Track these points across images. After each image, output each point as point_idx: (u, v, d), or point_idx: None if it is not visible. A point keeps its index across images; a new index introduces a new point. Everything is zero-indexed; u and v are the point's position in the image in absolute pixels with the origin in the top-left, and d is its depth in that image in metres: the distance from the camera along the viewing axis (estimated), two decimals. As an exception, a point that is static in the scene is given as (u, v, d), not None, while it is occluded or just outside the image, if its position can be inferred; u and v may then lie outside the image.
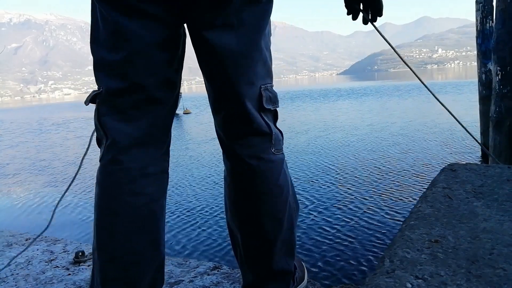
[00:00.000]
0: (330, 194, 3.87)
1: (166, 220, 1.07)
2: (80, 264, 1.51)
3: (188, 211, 3.65)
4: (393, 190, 3.85)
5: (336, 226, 3.01)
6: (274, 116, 0.93)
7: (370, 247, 2.62)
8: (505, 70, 2.74)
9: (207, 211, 3.61)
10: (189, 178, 4.98)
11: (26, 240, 1.88)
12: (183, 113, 16.93)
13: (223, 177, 1.00)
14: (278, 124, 0.94)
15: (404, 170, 4.60)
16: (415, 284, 0.58)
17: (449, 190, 0.96)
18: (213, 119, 0.93)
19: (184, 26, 0.86)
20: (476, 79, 4.67)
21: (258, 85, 0.86)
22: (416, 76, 1.21)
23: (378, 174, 4.49)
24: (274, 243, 0.92)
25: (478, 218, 0.79)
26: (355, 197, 3.70)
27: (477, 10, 4.45)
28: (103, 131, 0.82)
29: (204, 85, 0.91)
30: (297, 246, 1.06)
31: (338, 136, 7.62)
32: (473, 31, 5.15)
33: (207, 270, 1.36)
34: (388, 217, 3.13)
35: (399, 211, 3.25)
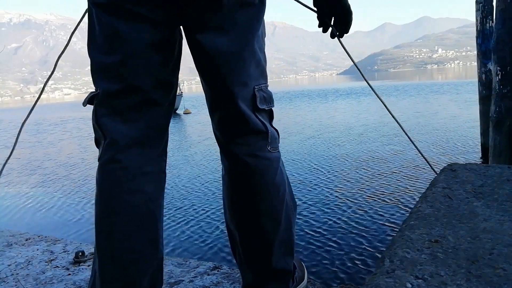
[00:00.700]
0: (330, 194, 3.88)
1: (165, 221, 1.06)
2: (80, 264, 1.51)
3: (187, 211, 3.65)
4: (393, 190, 3.85)
5: (336, 226, 3.02)
6: (270, 115, 0.94)
7: (370, 247, 2.62)
8: (505, 70, 2.74)
9: (207, 211, 3.61)
10: (189, 178, 4.98)
11: (26, 240, 1.88)
12: (184, 113, 17.05)
13: (221, 176, 1.00)
14: (274, 124, 0.95)
15: (404, 170, 4.60)
16: (415, 284, 0.58)
17: (449, 190, 0.96)
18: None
19: (180, 28, 0.87)
20: (476, 79, 4.67)
21: (252, 86, 0.87)
22: (367, 82, 1.20)
23: (378, 174, 4.49)
24: (273, 243, 0.93)
25: (478, 218, 0.79)
26: (355, 197, 3.70)
27: (477, 10, 4.45)
28: (101, 131, 0.83)
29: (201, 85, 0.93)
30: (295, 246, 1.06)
31: (335, 136, 7.62)
32: (473, 31, 5.14)
33: (207, 270, 1.36)
34: (388, 217, 3.13)
35: (399, 211, 3.25)
